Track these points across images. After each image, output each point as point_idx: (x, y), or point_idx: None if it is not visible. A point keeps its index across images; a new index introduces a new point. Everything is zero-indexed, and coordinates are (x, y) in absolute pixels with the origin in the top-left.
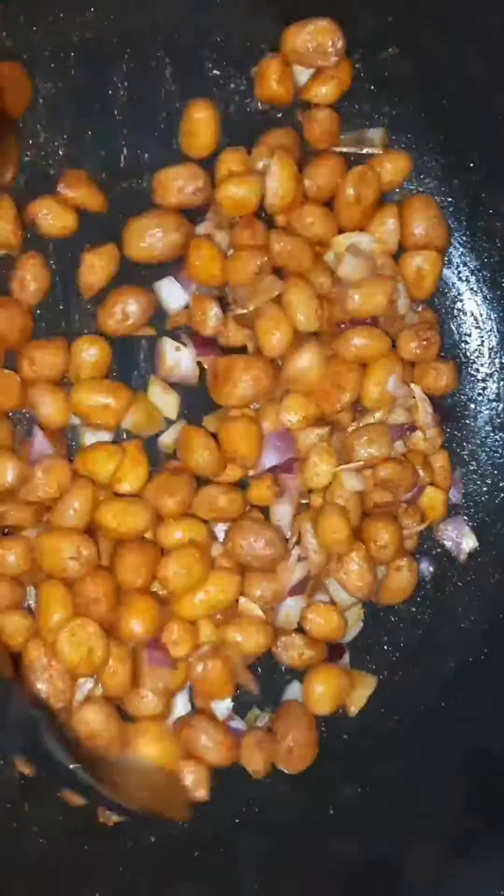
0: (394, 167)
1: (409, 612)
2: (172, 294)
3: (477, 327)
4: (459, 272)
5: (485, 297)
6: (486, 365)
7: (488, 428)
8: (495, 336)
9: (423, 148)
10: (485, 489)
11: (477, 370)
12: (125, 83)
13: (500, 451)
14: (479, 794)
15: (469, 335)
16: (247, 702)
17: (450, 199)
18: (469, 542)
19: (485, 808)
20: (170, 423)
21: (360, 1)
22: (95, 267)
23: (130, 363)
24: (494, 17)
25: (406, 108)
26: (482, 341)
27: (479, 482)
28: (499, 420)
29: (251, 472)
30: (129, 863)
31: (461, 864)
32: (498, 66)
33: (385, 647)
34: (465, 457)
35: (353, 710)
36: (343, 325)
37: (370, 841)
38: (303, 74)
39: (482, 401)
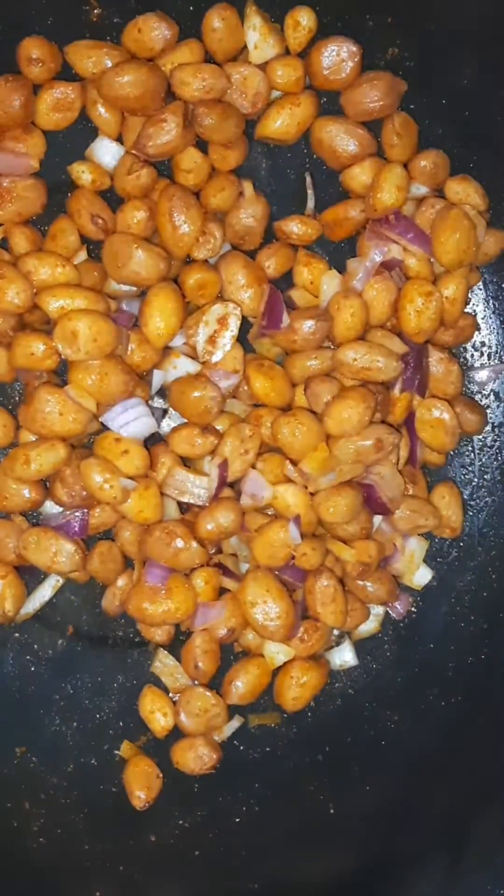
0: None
1: (410, 612)
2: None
3: (477, 327)
4: None
5: (486, 297)
6: (487, 366)
7: (488, 428)
8: (496, 336)
9: (423, 146)
10: (485, 490)
11: (477, 370)
12: None
13: (500, 451)
14: (478, 793)
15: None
16: None
17: None
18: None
19: (483, 807)
20: None
21: (360, 1)
22: None
23: None
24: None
25: (406, 108)
26: (483, 341)
27: (479, 484)
28: (498, 420)
29: None
30: (129, 863)
31: (461, 864)
32: (496, 64)
33: (385, 647)
34: (466, 458)
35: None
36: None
37: (370, 842)
38: None
39: (481, 400)
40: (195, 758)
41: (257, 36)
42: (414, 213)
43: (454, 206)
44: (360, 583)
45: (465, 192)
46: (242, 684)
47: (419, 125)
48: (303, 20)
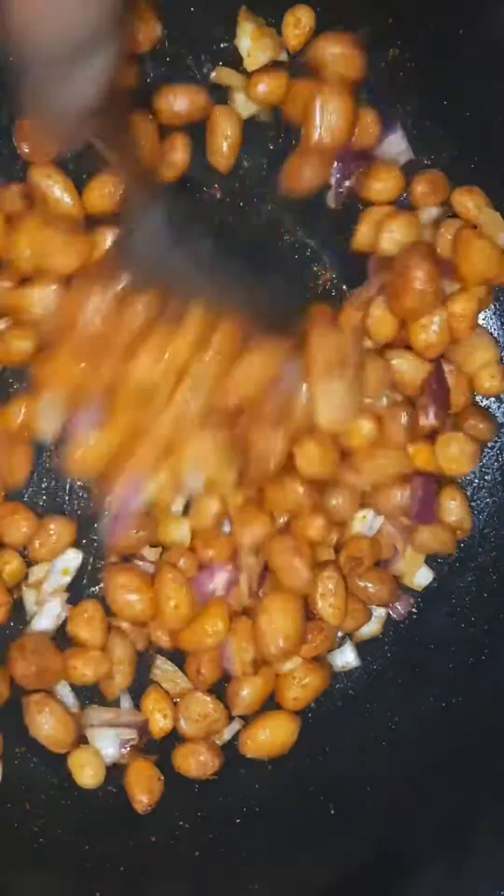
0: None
1: (409, 612)
2: None
3: None
4: None
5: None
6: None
7: None
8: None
9: (424, 148)
10: (485, 491)
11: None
12: None
13: (501, 452)
14: (478, 794)
15: None
16: None
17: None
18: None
19: (484, 808)
20: None
21: (360, 2)
22: None
23: None
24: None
25: (405, 108)
26: None
27: (479, 485)
28: (499, 421)
29: None
30: (129, 863)
31: (461, 864)
32: (496, 64)
33: (386, 648)
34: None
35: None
36: None
37: (371, 840)
38: None
39: (481, 401)
40: (197, 763)
41: (250, 43)
42: (433, 237)
43: (472, 228)
44: (361, 584)
45: (475, 203)
46: (248, 694)
47: (420, 126)
48: (303, 19)
